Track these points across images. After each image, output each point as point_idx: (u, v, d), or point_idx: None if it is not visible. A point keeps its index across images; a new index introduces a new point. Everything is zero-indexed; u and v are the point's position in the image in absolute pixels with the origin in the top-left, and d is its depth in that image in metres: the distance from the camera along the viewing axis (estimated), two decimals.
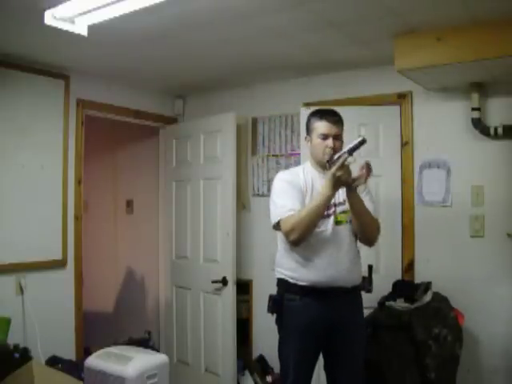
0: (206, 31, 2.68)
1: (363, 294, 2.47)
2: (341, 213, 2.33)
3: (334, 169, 2.13)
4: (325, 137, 2.32)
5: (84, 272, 3.55)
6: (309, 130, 2.42)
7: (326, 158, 2.27)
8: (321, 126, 2.33)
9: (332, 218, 2.31)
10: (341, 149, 2.25)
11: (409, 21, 2.50)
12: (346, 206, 2.32)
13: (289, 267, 2.33)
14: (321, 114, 2.37)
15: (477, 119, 2.93)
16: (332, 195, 2.20)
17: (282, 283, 2.36)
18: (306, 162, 2.54)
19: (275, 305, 2.35)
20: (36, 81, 3.20)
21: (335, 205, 2.32)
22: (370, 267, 2.55)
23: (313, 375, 2.37)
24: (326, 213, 2.27)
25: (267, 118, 3.80)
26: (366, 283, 2.48)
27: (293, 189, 2.32)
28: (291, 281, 2.31)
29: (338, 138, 2.33)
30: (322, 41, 2.84)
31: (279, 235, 2.38)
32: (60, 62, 3.24)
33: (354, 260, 2.36)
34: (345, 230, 2.33)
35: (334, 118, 2.34)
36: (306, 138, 2.46)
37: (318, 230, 2.27)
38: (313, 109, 2.52)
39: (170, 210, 4.14)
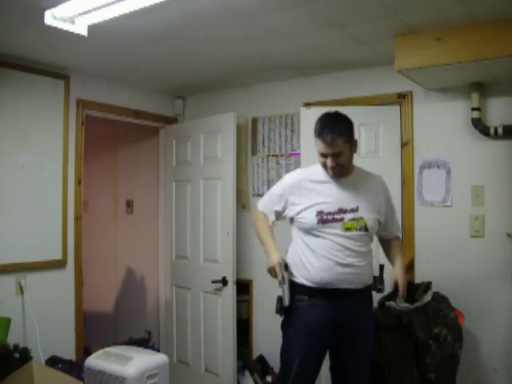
0: (206, 31, 2.68)
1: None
2: (350, 220, 2.26)
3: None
4: (323, 155, 2.24)
5: (84, 272, 3.55)
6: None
7: (330, 174, 2.28)
8: (318, 144, 2.23)
9: (340, 224, 2.25)
10: (345, 162, 2.24)
11: (409, 21, 2.50)
12: (359, 214, 2.26)
13: (296, 268, 2.31)
14: (319, 132, 2.22)
15: (477, 119, 2.93)
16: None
17: (291, 284, 2.33)
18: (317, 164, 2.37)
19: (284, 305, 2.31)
20: (36, 81, 3.20)
21: (344, 211, 2.25)
22: (382, 267, 2.47)
23: (317, 377, 2.34)
24: (331, 217, 2.24)
25: (267, 117, 3.80)
26: (377, 282, 2.46)
27: (282, 195, 2.37)
28: (299, 281, 2.30)
29: (338, 154, 2.21)
30: (322, 41, 2.84)
31: (294, 236, 2.38)
32: (60, 62, 3.24)
33: (364, 262, 2.30)
34: (354, 235, 2.26)
35: (328, 139, 2.16)
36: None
37: (325, 233, 2.24)
38: (320, 113, 2.31)
39: (170, 210, 4.14)
